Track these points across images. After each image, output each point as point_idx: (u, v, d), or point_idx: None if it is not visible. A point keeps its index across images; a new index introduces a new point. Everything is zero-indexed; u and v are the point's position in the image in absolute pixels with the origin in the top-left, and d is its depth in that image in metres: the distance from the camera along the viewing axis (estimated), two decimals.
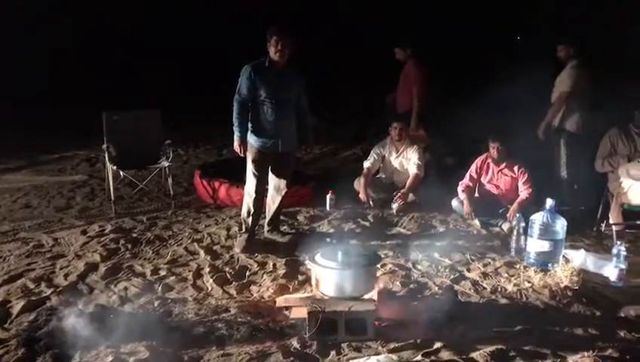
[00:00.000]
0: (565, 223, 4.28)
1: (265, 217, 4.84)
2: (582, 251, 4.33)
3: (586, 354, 2.92)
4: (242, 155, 4.44)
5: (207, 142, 9.26)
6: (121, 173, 5.76)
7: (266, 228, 4.83)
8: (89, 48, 11.23)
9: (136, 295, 3.69)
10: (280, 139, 4.39)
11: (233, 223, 5.13)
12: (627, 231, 5.00)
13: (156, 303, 3.57)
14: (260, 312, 3.45)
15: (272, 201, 4.74)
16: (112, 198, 5.52)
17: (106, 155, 5.60)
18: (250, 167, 4.47)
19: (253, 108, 4.36)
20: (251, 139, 4.42)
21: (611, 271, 4.04)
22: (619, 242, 4.20)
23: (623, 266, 4.02)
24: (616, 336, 3.23)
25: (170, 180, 5.74)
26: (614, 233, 4.74)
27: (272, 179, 4.65)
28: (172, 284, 3.87)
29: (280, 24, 4.25)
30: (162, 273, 4.06)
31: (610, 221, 4.83)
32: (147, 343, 3.01)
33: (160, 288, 3.80)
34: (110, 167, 5.56)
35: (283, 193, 4.68)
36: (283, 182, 4.65)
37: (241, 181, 4.81)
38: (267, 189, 4.70)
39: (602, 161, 4.98)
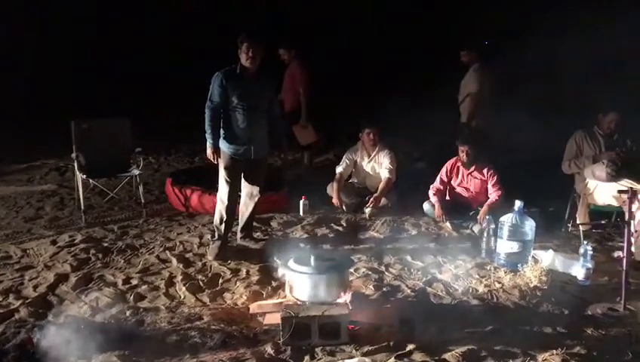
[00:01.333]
0: (534, 224, 4.37)
1: (238, 224, 4.82)
2: (550, 251, 4.42)
3: (554, 352, 2.98)
4: (215, 163, 4.43)
5: (178, 149, 9.19)
6: (91, 181, 5.69)
7: (239, 234, 4.82)
8: (53, 55, 11.06)
9: (108, 305, 3.64)
10: (252, 146, 4.38)
11: (206, 231, 5.10)
12: (594, 231, 5.14)
13: (128, 313, 3.53)
14: (233, 319, 3.45)
15: (245, 208, 4.73)
16: (82, 208, 5.45)
17: (76, 164, 5.52)
18: (222, 174, 4.45)
19: (225, 114, 4.35)
20: (223, 146, 4.41)
21: (579, 270, 4.13)
22: (585, 242, 4.30)
23: (589, 265, 4.11)
24: (584, 334, 3.31)
25: (141, 188, 5.68)
26: (581, 233, 4.85)
27: (244, 185, 4.65)
28: (144, 293, 3.84)
29: (250, 30, 4.26)
30: (134, 282, 4.02)
31: (577, 221, 4.94)
32: (119, 353, 2.99)
33: (132, 297, 3.76)
34: (80, 176, 5.49)
35: (256, 200, 4.68)
36: (256, 189, 4.64)
37: (213, 188, 4.79)
38: (240, 196, 4.69)
39: (569, 163, 5.08)
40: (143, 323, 3.39)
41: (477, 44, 6.60)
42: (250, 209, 4.71)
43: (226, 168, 4.42)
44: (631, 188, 3.97)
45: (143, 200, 5.69)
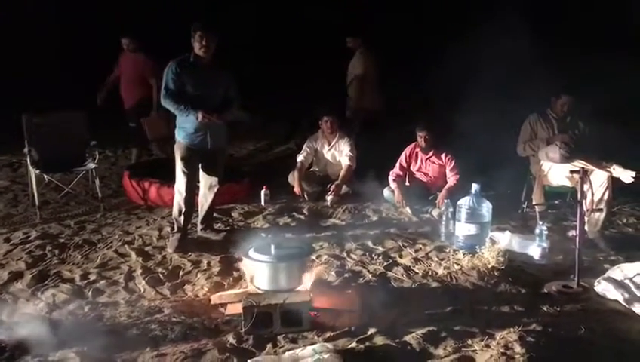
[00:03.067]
0: (490, 206, 4.46)
1: (198, 216, 4.78)
2: (507, 233, 4.53)
3: (512, 329, 3.05)
4: (215, 119, 4.22)
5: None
6: (46, 177, 5.54)
7: (199, 226, 4.77)
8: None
9: (65, 301, 3.56)
10: (208, 136, 4.32)
11: (165, 223, 5.03)
12: (549, 211, 5.27)
13: (86, 308, 3.46)
14: (194, 311, 3.41)
15: (205, 199, 4.68)
16: (37, 203, 5.29)
17: (28, 159, 5.36)
18: (179, 165, 4.38)
19: None
20: (179, 137, 4.34)
21: (535, 250, 4.24)
22: (541, 222, 4.42)
23: (545, 245, 4.23)
24: (540, 311, 3.40)
25: (97, 182, 5.55)
26: (537, 214, 4.97)
27: (203, 176, 4.59)
28: (103, 288, 3.76)
29: (204, 20, 4.19)
30: (92, 277, 3.93)
31: (533, 202, 5.05)
32: (77, 350, 2.93)
33: (90, 293, 3.69)
34: (33, 172, 5.33)
35: (215, 190, 4.62)
36: (214, 180, 4.59)
37: (172, 180, 4.71)
38: (198, 187, 4.64)
39: (523, 146, 5.18)
40: (101, 319, 3.33)
41: (360, 30, 7.16)
42: (209, 200, 4.66)
43: (182, 159, 4.35)
44: (582, 168, 4.07)
45: (100, 195, 5.56)
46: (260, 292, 3.33)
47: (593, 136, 5.01)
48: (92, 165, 5.57)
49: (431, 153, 5.58)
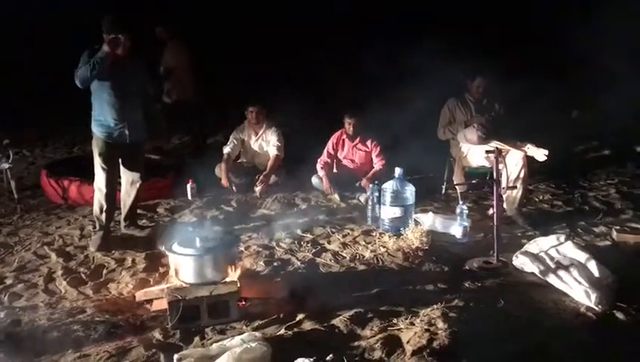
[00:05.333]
0: (414, 189, 4.57)
1: (121, 213, 4.64)
2: (430, 214, 4.66)
3: (435, 306, 3.14)
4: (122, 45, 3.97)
5: (56, 140, 8.64)
6: None
7: (123, 223, 4.63)
8: None
9: None
10: (126, 129, 4.18)
11: (87, 222, 4.85)
12: (470, 192, 5.46)
13: (2, 314, 3.30)
14: (119, 309, 3.32)
15: (127, 195, 4.55)
16: None
17: None
18: (97, 161, 4.23)
19: (97, 97, 4.13)
20: (96, 130, 4.18)
21: (457, 229, 4.39)
22: (462, 202, 4.57)
23: (466, 224, 4.39)
24: (462, 287, 3.53)
25: (13, 183, 5.28)
26: (459, 194, 5.13)
27: (123, 172, 4.45)
28: (20, 292, 3.60)
29: (117, 14, 4.02)
30: (9, 281, 3.75)
31: (454, 183, 5.22)
32: None
33: (6, 298, 3.52)
34: None
35: (137, 186, 4.49)
36: (136, 175, 4.46)
37: (92, 178, 4.55)
38: (120, 183, 4.51)
39: (443, 130, 5.33)
40: (19, 323, 3.18)
41: (169, 24, 7.24)
42: (132, 196, 4.53)
43: (100, 154, 4.20)
44: (497, 148, 4.24)
45: (16, 196, 5.29)
46: (186, 286, 3.28)
47: (508, 116, 5.22)
48: (6, 165, 5.29)
49: (357, 140, 5.66)
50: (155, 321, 3.17)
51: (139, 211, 4.85)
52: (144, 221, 4.92)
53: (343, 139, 5.75)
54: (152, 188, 5.20)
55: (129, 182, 4.49)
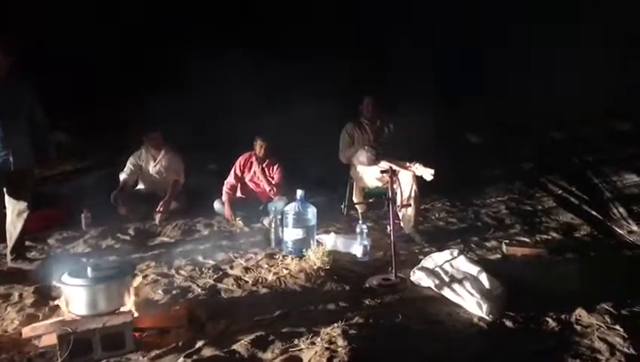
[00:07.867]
0: (315, 211, 4.62)
1: (7, 246, 4.34)
2: (332, 234, 4.73)
3: (336, 325, 3.17)
4: None
5: None
6: None
7: (9, 256, 4.32)
8: None
9: None
10: (11, 156, 3.95)
11: None
12: (370, 212, 5.61)
13: None
14: (2, 347, 3.09)
15: (13, 226, 4.25)
16: None
17: None
18: None
19: None
20: None
21: (357, 248, 4.47)
22: (361, 221, 4.67)
23: (366, 243, 4.48)
24: (362, 305, 3.58)
25: None
26: (359, 214, 5.25)
27: (9, 202, 4.17)
28: None
29: None
30: None
31: (354, 202, 5.34)
32: None
33: None
34: None
35: (24, 216, 4.22)
36: (23, 205, 4.20)
37: None
38: (5, 214, 4.23)
39: (343, 154, 5.47)
40: None
41: None
42: (18, 228, 4.24)
43: None
44: (390, 167, 4.39)
45: None
46: (77, 318, 3.11)
47: (401, 136, 5.44)
48: None
49: (265, 163, 5.68)
50: (44, 358, 2.97)
51: (28, 243, 4.55)
52: (34, 253, 4.63)
53: (251, 162, 5.73)
54: (40, 218, 4.92)
55: (15, 212, 4.21)
